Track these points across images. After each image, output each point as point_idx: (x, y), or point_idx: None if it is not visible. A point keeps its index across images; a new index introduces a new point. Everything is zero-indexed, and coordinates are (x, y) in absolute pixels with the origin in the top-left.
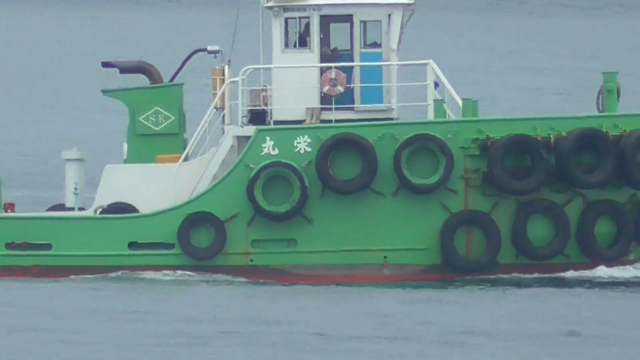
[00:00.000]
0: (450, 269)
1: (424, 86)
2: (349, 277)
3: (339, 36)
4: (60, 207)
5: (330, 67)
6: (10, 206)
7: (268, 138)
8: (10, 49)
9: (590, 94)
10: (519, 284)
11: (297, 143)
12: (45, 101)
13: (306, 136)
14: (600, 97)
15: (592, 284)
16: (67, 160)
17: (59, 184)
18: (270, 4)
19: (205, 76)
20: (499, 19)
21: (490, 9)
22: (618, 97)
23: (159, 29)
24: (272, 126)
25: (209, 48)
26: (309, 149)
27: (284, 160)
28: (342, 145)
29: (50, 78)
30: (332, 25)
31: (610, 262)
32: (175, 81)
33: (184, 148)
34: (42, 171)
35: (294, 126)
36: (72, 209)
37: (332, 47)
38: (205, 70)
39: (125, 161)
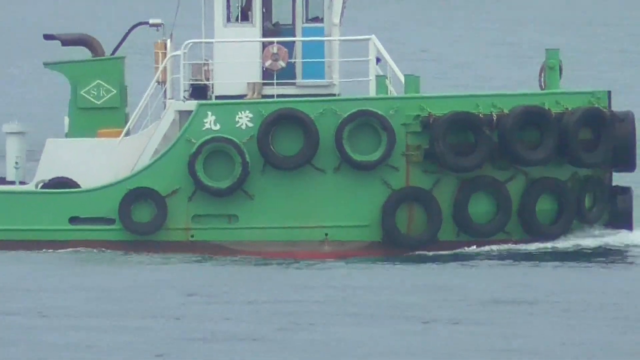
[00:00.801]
0: (391, 245)
1: (365, 62)
2: (289, 253)
3: (280, 10)
4: (1, 180)
5: (272, 42)
6: None
7: (209, 113)
8: None
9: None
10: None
11: (239, 118)
12: None
13: (248, 111)
14: (542, 74)
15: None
16: (7, 133)
17: None
18: None
19: (147, 50)
20: None
21: None
22: (560, 74)
23: (102, 1)
24: (213, 101)
25: (150, 21)
26: (250, 124)
27: (225, 136)
28: (283, 120)
29: None
30: (275, 0)
31: (552, 240)
32: (117, 54)
33: (126, 122)
34: None
35: (235, 101)
36: (13, 182)
37: (274, 22)
38: (147, 43)
39: (67, 135)
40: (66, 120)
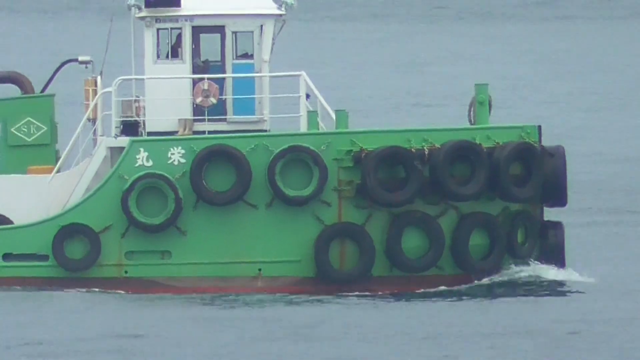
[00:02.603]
0: (324, 281)
1: (295, 97)
2: (223, 289)
3: (209, 47)
4: None
5: (202, 79)
6: None
7: (142, 149)
8: None
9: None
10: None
11: (171, 154)
12: None
13: (180, 147)
14: (472, 109)
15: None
16: None
17: None
18: (142, 14)
19: (76, 86)
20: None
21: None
22: (490, 109)
23: (31, 38)
24: (145, 137)
25: (80, 58)
26: (183, 160)
27: (158, 172)
28: (215, 156)
29: None
30: (203, 36)
31: (484, 274)
32: (47, 92)
33: (56, 159)
34: None
35: (167, 137)
36: None
37: (203, 59)
38: (76, 80)
39: None
40: None
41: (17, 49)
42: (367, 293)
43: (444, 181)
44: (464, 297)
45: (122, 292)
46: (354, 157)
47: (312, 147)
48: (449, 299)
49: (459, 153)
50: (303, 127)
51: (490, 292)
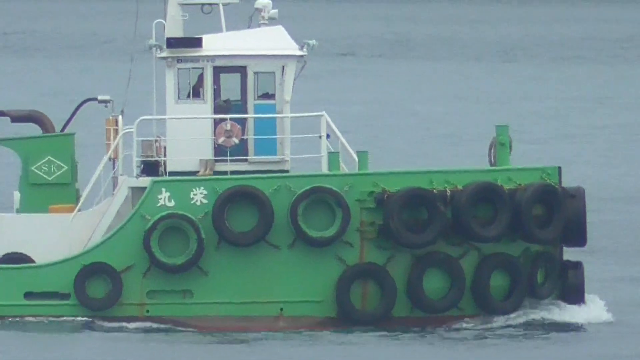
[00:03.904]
0: (345, 321)
1: (314, 137)
2: (244, 328)
3: (229, 86)
4: None
5: (225, 119)
6: None
7: (164, 189)
8: None
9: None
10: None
11: (194, 195)
12: None
13: (202, 188)
14: (492, 150)
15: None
16: None
17: None
18: (163, 54)
19: (96, 126)
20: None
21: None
22: (510, 149)
23: (52, 78)
24: (168, 177)
25: (99, 97)
26: (205, 201)
27: (180, 212)
28: (238, 197)
29: None
30: (223, 76)
31: (504, 315)
32: (67, 131)
33: (77, 198)
34: None
35: (190, 177)
36: None
37: (224, 98)
38: (96, 120)
39: (18, 210)
40: (16, 195)
41: (37, 88)
42: (387, 333)
43: (467, 223)
44: (484, 338)
45: (144, 331)
46: (376, 199)
47: (334, 188)
48: (469, 340)
49: (482, 195)
50: (324, 168)
51: (510, 333)
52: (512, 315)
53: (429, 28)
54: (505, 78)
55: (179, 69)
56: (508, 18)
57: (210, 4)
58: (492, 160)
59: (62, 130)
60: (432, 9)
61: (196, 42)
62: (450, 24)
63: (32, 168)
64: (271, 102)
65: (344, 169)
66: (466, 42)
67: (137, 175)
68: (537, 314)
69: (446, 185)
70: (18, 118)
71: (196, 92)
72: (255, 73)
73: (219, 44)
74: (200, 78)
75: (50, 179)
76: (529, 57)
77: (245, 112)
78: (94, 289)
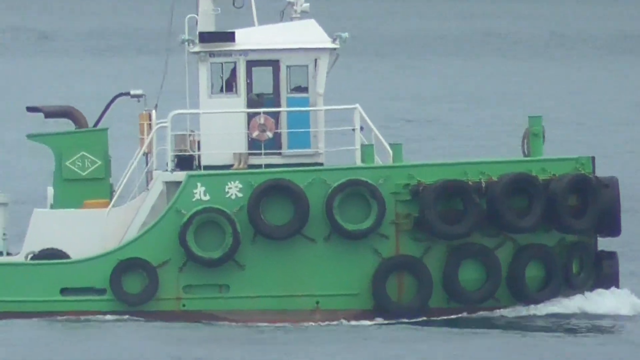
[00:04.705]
0: (382, 314)
1: (347, 130)
2: (280, 322)
3: (261, 80)
4: None
5: (258, 113)
6: None
7: (199, 184)
8: None
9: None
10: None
11: (229, 189)
12: None
13: (237, 181)
14: (525, 141)
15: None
16: None
17: None
18: (196, 49)
19: (129, 121)
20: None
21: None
22: (543, 140)
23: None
24: (203, 172)
25: (132, 92)
26: (240, 195)
27: (215, 206)
28: (273, 190)
29: None
30: (255, 70)
31: (540, 306)
32: (100, 125)
33: (110, 193)
34: None
35: (225, 172)
36: None
37: (256, 92)
38: (128, 114)
39: (52, 206)
40: (50, 191)
41: (70, 84)
42: (424, 325)
43: (502, 214)
44: (520, 329)
45: (180, 326)
46: (412, 191)
47: (370, 181)
48: (505, 331)
49: (516, 185)
50: (358, 160)
51: (546, 323)
52: (548, 306)
53: (462, 23)
54: (538, 72)
55: (211, 63)
56: (540, 14)
57: None
58: (526, 151)
59: (96, 125)
60: (465, 4)
61: (229, 37)
62: (484, 19)
63: (66, 163)
64: (304, 95)
65: (378, 161)
66: (501, 37)
67: (172, 169)
68: (572, 304)
69: (481, 177)
70: (51, 114)
71: (229, 86)
72: (288, 66)
73: (251, 38)
74: (233, 72)
75: (84, 174)
76: (562, 49)
77: (278, 105)
78: (130, 284)
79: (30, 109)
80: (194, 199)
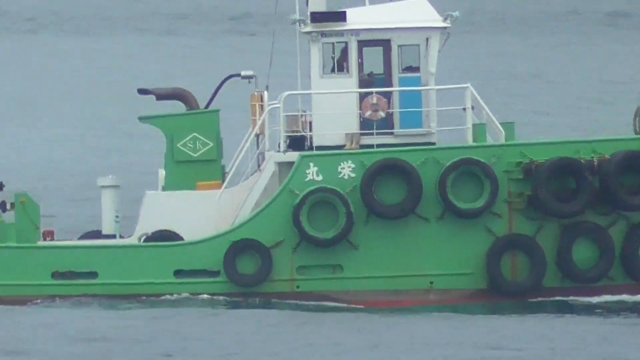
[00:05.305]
0: (496, 293)
1: (458, 109)
2: (394, 302)
3: (371, 60)
4: (96, 234)
5: (370, 93)
6: (49, 234)
7: (312, 164)
8: (50, 76)
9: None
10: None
11: (341, 169)
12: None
13: (350, 161)
14: (637, 119)
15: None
16: (102, 187)
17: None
18: (307, 29)
19: (238, 101)
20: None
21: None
22: None
23: (195, 56)
24: (315, 152)
25: (242, 73)
26: (353, 175)
27: (329, 186)
28: (386, 170)
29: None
30: (366, 50)
31: None
32: (211, 107)
33: (222, 174)
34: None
35: (337, 152)
36: (111, 236)
37: (366, 72)
38: (237, 95)
39: (164, 188)
40: (161, 173)
41: (181, 67)
42: (538, 304)
43: (615, 191)
44: (635, 308)
45: (293, 306)
46: (524, 169)
47: (483, 160)
48: (620, 311)
49: (629, 163)
50: (469, 140)
51: None
52: None
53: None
54: None
55: (323, 43)
56: None
57: None
58: (638, 129)
59: (207, 107)
60: None
61: (340, 16)
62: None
63: (178, 145)
64: (416, 75)
65: (490, 140)
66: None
67: (284, 150)
68: None
69: (593, 155)
70: (162, 96)
71: (340, 66)
72: (400, 46)
73: (362, 17)
74: (344, 52)
75: (195, 155)
76: None
77: (390, 85)
78: (244, 266)
79: (142, 92)
80: (306, 179)
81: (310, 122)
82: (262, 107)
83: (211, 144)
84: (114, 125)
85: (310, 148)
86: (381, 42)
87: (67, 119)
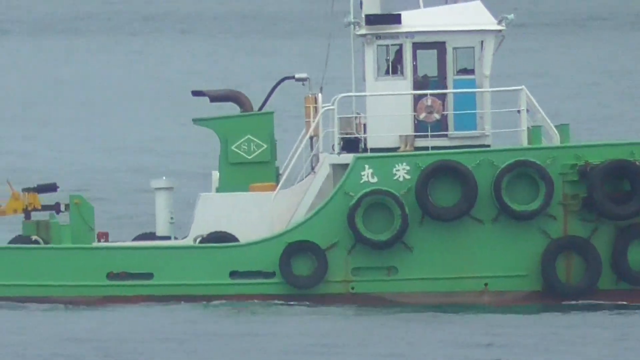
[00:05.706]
0: (551, 295)
1: (512, 112)
2: (449, 304)
3: (425, 62)
4: (150, 235)
5: (425, 95)
6: (104, 235)
7: (367, 166)
8: (102, 79)
9: None
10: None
11: (396, 171)
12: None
13: (405, 164)
14: None
15: None
16: (156, 189)
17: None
18: (362, 31)
19: (293, 103)
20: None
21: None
22: None
23: (249, 58)
24: (370, 154)
25: (296, 75)
26: (407, 177)
27: (384, 188)
28: (441, 172)
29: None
30: (420, 52)
31: None
32: (265, 109)
33: (276, 176)
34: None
35: (392, 154)
36: (165, 237)
37: (421, 74)
38: (292, 98)
39: (217, 190)
40: (214, 175)
41: (235, 69)
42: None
43: None
44: None
45: (348, 309)
46: (579, 171)
47: (538, 162)
48: None
49: None
50: (523, 142)
51: None
52: None
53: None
54: None
55: (377, 45)
56: None
57: None
58: None
59: (261, 108)
60: None
61: (395, 19)
62: None
63: (232, 147)
64: (470, 77)
65: (544, 142)
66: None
67: (338, 152)
68: None
69: None
70: (216, 98)
71: (394, 68)
72: (454, 48)
73: (417, 20)
74: (399, 54)
75: (250, 157)
76: None
77: (444, 87)
78: (299, 267)
79: (196, 93)
80: (361, 181)
81: (365, 124)
82: (316, 109)
83: (265, 146)
84: (167, 127)
85: (364, 150)
86: (436, 45)
87: (122, 121)
